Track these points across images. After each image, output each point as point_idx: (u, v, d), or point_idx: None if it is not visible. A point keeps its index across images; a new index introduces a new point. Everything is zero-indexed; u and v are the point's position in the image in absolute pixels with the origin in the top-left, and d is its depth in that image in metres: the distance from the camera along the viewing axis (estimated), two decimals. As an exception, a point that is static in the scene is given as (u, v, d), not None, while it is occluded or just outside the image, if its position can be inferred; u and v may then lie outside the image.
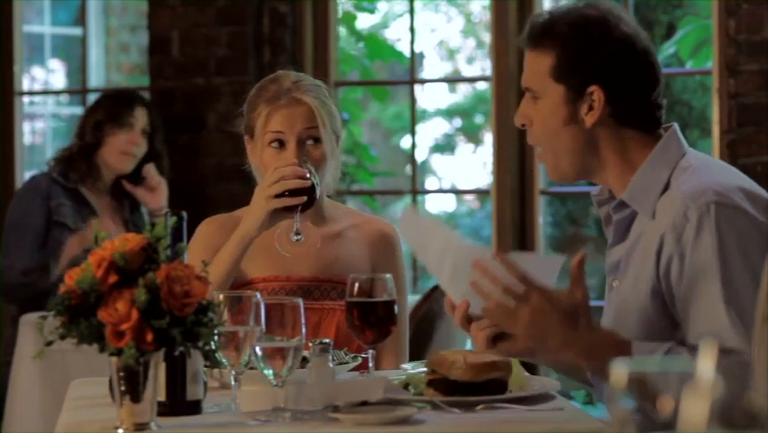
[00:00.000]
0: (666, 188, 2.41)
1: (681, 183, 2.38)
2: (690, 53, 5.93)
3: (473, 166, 10.51)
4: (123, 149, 4.60)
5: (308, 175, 2.79)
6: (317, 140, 2.85)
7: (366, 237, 3.01)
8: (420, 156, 9.73)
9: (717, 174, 2.41)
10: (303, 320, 2.26)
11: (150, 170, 4.65)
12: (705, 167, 2.43)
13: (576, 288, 2.29)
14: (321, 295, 2.92)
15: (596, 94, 2.41)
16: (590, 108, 2.42)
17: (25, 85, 6.11)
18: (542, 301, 2.26)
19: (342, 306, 2.81)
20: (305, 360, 2.41)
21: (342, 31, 6.20)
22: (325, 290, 2.93)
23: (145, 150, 4.65)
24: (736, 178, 2.43)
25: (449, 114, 10.65)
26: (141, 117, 4.65)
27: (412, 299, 4.14)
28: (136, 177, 4.67)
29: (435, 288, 4.07)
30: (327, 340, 2.48)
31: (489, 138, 9.64)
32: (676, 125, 2.49)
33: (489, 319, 2.32)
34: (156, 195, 4.66)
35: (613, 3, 2.50)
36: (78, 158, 4.58)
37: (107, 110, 4.64)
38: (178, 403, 2.27)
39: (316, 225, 2.97)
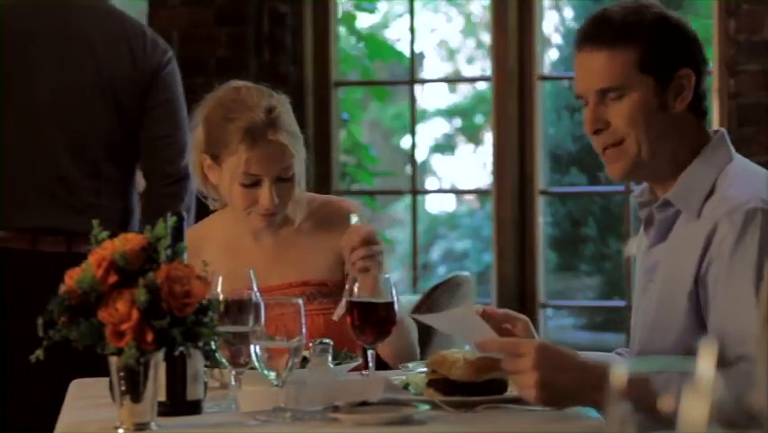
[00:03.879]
0: (712, 191, 2.40)
1: (728, 188, 2.38)
2: (690, 53, 5.92)
3: (473, 166, 10.50)
4: None
5: None
6: (291, 176, 2.83)
7: (323, 225, 2.96)
8: (420, 156, 9.72)
9: (764, 183, 2.40)
10: (303, 320, 2.26)
11: None
12: (753, 175, 2.43)
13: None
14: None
15: (688, 77, 2.43)
16: (678, 94, 2.43)
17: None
18: (542, 353, 2.19)
19: (314, 310, 2.81)
20: (305, 360, 2.41)
21: (343, 31, 6.19)
22: (293, 296, 2.85)
23: None
24: None
25: (449, 114, 10.64)
26: None
27: (412, 299, 4.14)
28: None
29: (436, 288, 4.07)
30: (327, 340, 2.48)
31: (489, 138, 9.63)
32: (724, 131, 2.50)
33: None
34: None
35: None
36: None
37: None
38: (179, 403, 2.27)
39: (276, 229, 2.93)
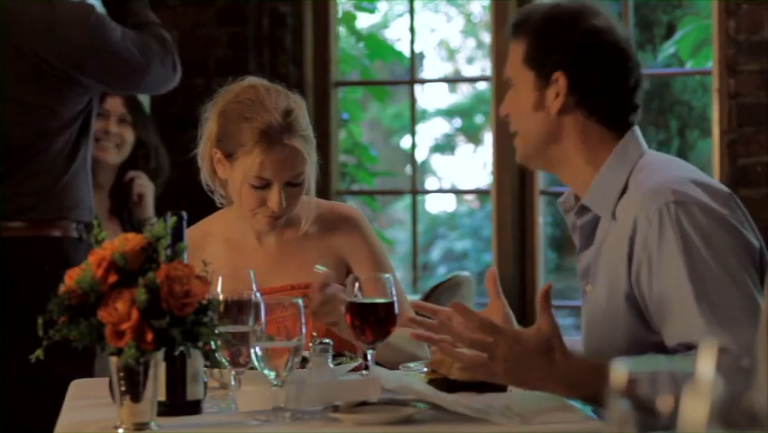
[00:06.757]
0: (625, 189, 2.42)
1: (639, 184, 2.39)
2: (690, 53, 5.93)
3: (473, 166, 10.50)
4: (97, 136, 4.56)
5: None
6: (302, 181, 2.84)
7: (325, 230, 2.97)
8: (420, 156, 9.73)
9: (673, 171, 2.42)
10: (303, 320, 2.26)
11: (139, 177, 4.61)
12: (662, 165, 2.44)
13: (543, 318, 2.28)
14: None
15: (560, 80, 2.45)
16: (556, 95, 2.45)
17: (25, 85, 6.09)
18: (510, 349, 2.24)
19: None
20: (305, 360, 2.41)
21: (342, 31, 6.19)
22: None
23: (131, 139, 4.62)
24: (692, 173, 2.43)
25: (449, 114, 10.64)
26: (114, 105, 4.60)
27: (412, 299, 4.13)
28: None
29: (436, 288, 4.07)
30: (327, 340, 2.48)
31: (489, 138, 9.64)
32: (636, 127, 2.50)
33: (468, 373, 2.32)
34: (141, 205, 4.61)
35: (596, 2, 2.53)
36: None
37: None
38: (179, 403, 2.28)
39: (280, 231, 2.94)
